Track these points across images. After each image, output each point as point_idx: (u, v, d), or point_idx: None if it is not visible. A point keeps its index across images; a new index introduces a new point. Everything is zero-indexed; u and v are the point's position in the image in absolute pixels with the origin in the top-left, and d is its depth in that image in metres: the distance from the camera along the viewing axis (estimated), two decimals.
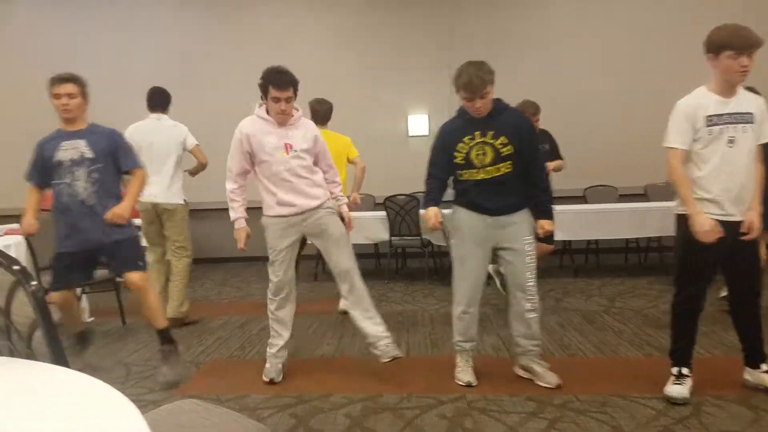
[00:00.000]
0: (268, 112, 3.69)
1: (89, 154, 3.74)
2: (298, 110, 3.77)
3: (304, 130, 3.76)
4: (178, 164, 5.29)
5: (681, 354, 3.33)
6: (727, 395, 3.30)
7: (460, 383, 3.62)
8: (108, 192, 3.81)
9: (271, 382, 3.75)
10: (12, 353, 1.59)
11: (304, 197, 3.72)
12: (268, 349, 3.88)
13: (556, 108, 8.17)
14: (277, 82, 3.55)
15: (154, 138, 5.18)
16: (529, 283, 3.54)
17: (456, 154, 3.48)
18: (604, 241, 7.51)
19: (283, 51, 8.63)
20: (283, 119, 3.66)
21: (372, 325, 3.81)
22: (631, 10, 8.50)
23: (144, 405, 3.44)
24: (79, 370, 1.39)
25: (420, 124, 8.79)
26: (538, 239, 5.13)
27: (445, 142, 3.54)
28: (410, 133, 8.83)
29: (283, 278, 3.77)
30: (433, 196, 3.58)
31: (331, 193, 3.97)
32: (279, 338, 3.85)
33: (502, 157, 3.42)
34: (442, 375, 3.80)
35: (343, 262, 3.79)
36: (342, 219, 3.95)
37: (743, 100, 3.10)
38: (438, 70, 8.54)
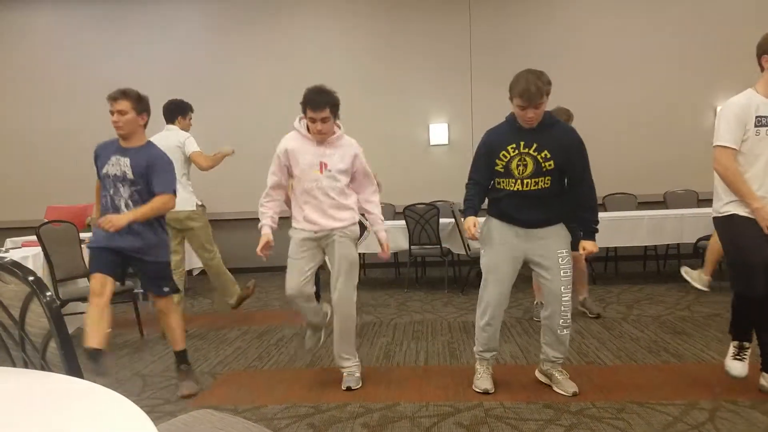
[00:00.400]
0: (308, 128, 3.72)
1: (129, 174, 3.77)
2: (339, 128, 3.78)
3: (342, 150, 3.74)
4: (182, 171, 5.31)
5: (742, 330, 3.30)
6: (743, 401, 3.26)
7: (478, 390, 3.60)
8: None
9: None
10: (26, 364, 1.61)
11: (328, 218, 3.73)
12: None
13: (576, 115, 8.16)
14: (313, 103, 3.58)
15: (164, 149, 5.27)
16: (565, 298, 3.47)
17: (498, 161, 3.44)
18: (623, 249, 7.46)
19: (305, 61, 8.78)
20: (320, 138, 3.69)
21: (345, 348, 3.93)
22: (652, 19, 8.45)
23: (160, 416, 3.47)
24: (94, 381, 1.41)
25: (440, 134, 8.79)
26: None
27: (490, 147, 3.49)
28: (431, 143, 8.83)
29: (295, 288, 3.78)
30: (472, 204, 3.52)
31: (367, 211, 3.95)
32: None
33: (542, 171, 3.37)
34: (459, 383, 3.79)
35: (337, 287, 3.82)
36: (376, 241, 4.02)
37: None
38: (458, 80, 8.58)
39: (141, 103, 3.86)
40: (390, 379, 3.95)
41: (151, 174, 3.82)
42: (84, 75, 8.89)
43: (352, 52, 8.84)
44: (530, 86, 3.21)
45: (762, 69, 3.11)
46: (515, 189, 3.42)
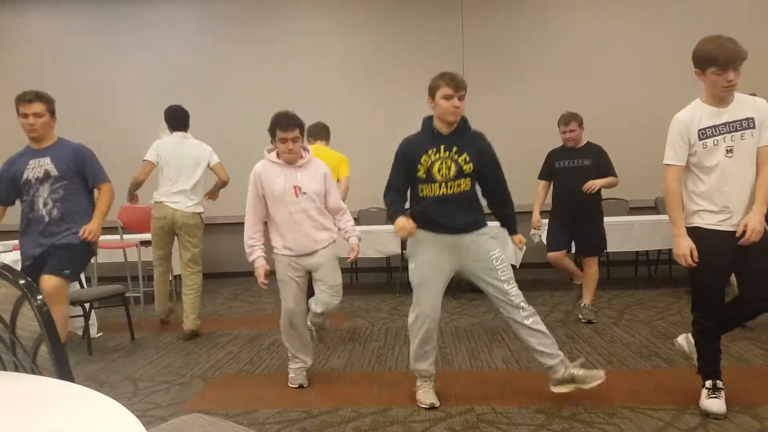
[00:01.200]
0: (278, 155, 3.85)
1: (54, 171, 3.80)
2: (308, 151, 3.92)
3: (313, 170, 3.89)
4: (201, 181, 5.51)
5: (710, 368, 3.25)
6: (734, 406, 3.27)
7: (423, 406, 3.51)
8: (74, 208, 3.84)
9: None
10: (17, 368, 1.61)
11: (310, 240, 3.86)
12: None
13: None
14: (283, 124, 3.74)
15: (181, 155, 5.41)
16: (512, 294, 3.40)
17: (419, 167, 3.42)
18: (614, 254, 7.47)
19: (300, 66, 8.78)
20: (292, 158, 3.80)
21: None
22: (645, 24, 8.50)
23: (151, 420, 3.45)
24: (86, 384, 1.40)
25: None
26: (585, 253, 5.23)
27: (409, 154, 3.46)
28: None
29: (293, 302, 3.90)
30: (399, 206, 3.45)
31: (340, 228, 4.05)
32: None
33: (464, 173, 3.39)
34: (451, 388, 3.80)
35: (329, 279, 3.94)
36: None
37: (740, 107, 3.05)
38: None
39: (53, 105, 3.95)
40: (382, 384, 3.94)
41: (84, 168, 3.89)
42: (80, 78, 8.85)
43: (346, 57, 8.84)
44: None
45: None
46: (439, 194, 3.40)
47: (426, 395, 3.57)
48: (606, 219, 7.01)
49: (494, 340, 4.87)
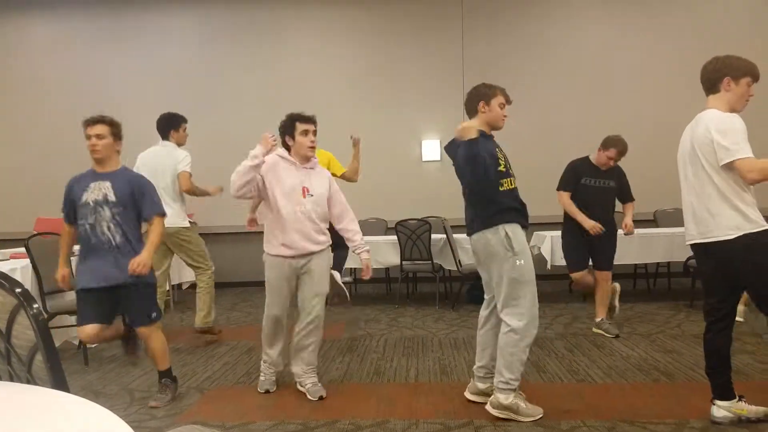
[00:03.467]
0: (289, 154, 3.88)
1: (112, 197, 3.76)
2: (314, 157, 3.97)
3: (319, 175, 3.95)
4: (169, 188, 5.36)
5: (726, 381, 3.24)
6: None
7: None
8: (129, 235, 3.81)
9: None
10: (12, 378, 1.59)
11: (308, 242, 3.86)
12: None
13: (564, 135, 8.21)
14: (304, 117, 3.82)
15: (155, 164, 5.33)
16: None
17: (500, 161, 3.51)
18: (613, 267, 7.44)
19: (299, 75, 8.80)
20: (311, 153, 3.86)
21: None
22: (644, 36, 8.55)
23: (147, 431, 3.43)
24: (81, 395, 1.39)
25: (433, 150, 8.82)
26: (602, 267, 5.32)
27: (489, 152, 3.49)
28: (423, 158, 8.87)
29: (281, 309, 3.97)
30: None
31: (349, 240, 4.07)
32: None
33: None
34: (450, 401, 3.77)
35: (318, 286, 3.95)
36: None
37: None
38: (451, 97, 8.60)
39: (118, 129, 3.88)
40: (380, 396, 3.92)
41: (140, 198, 3.85)
42: (78, 86, 8.87)
43: (345, 67, 8.87)
44: None
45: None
46: (515, 186, 3.59)
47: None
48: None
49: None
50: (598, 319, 5.40)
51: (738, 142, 2.93)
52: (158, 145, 5.46)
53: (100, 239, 3.73)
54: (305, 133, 3.81)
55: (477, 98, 3.57)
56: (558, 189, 5.40)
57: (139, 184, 3.88)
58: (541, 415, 3.40)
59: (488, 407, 3.46)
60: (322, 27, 8.90)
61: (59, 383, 1.47)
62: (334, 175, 5.47)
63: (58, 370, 1.48)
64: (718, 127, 2.98)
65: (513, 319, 3.40)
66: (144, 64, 8.98)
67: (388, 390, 4.06)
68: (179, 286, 8.08)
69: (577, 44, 8.63)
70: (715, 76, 3.12)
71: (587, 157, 5.40)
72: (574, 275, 5.38)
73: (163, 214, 3.91)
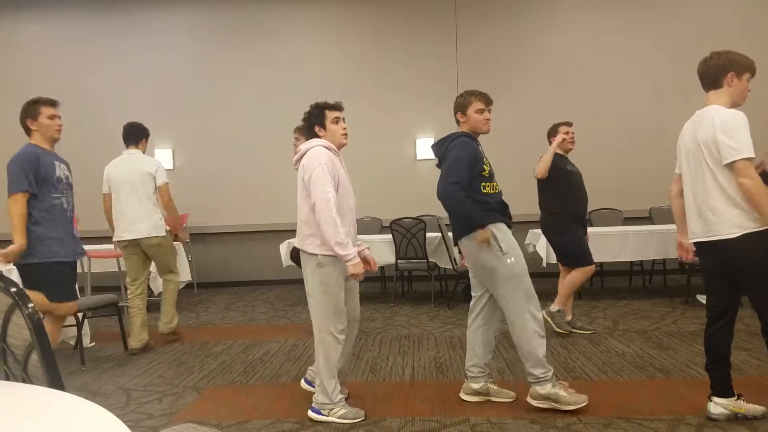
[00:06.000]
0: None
1: (71, 179, 4.07)
2: None
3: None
4: (153, 197, 5.32)
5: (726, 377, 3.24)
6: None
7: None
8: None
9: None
10: (8, 376, 1.59)
11: (355, 237, 3.62)
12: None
13: None
14: (333, 105, 3.59)
15: (128, 174, 5.26)
16: None
17: (484, 166, 3.57)
18: (609, 264, 7.48)
19: (292, 76, 8.79)
20: (346, 140, 3.64)
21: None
22: (638, 32, 8.57)
23: (143, 431, 3.43)
24: (78, 394, 1.39)
25: (427, 148, 8.77)
26: (575, 264, 5.11)
27: (475, 155, 3.57)
28: (418, 157, 8.87)
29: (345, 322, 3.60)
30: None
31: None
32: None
33: None
34: (446, 399, 3.77)
35: (355, 291, 3.82)
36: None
37: None
38: (445, 95, 8.56)
39: None
40: (376, 394, 3.92)
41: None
42: (71, 85, 8.83)
43: (339, 67, 8.87)
44: None
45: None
46: (500, 190, 3.67)
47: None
48: (600, 229, 7.07)
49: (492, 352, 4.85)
50: (554, 309, 5.22)
51: (742, 142, 2.92)
52: (125, 153, 5.36)
53: (69, 217, 3.98)
54: (336, 120, 3.56)
55: (456, 109, 3.73)
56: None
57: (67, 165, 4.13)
58: (585, 403, 3.42)
59: (528, 399, 3.51)
60: (315, 26, 8.90)
61: (55, 382, 1.46)
62: None
63: (53, 369, 1.48)
64: (724, 127, 2.96)
65: (516, 318, 3.45)
66: (136, 63, 8.95)
67: (383, 388, 4.06)
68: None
69: (570, 43, 8.64)
70: (718, 71, 3.12)
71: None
72: (594, 268, 5.23)
73: None
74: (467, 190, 3.49)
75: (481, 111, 3.63)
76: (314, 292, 3.47)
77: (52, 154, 3.98)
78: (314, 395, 3.53)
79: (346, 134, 3.64)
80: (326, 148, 3.50)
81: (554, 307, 5.22)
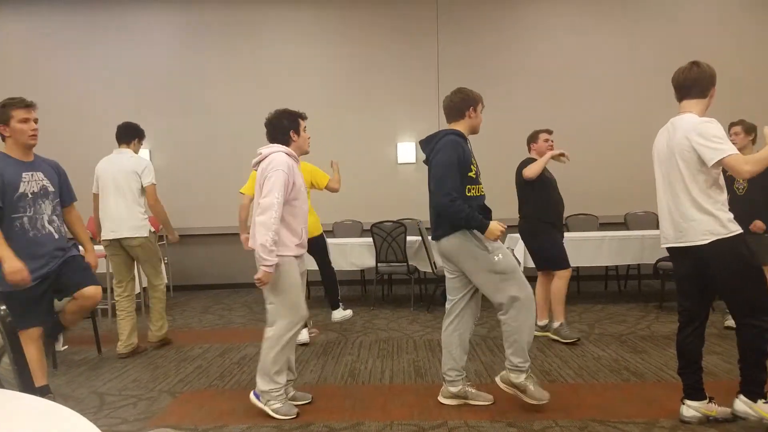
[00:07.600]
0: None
1: (51, 187, 3.65)
2: None
3: None
4: (138, 197, 5.24)
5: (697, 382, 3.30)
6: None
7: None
8: (62, 224, 3.77)
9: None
10: None
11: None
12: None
13: None
14: (302, 114, 3.79)
15: (113, 172, 5.20)
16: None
17: (472, 166, 3.57)
18: (585, 269, 7.55)
19: (274, 79, 8.76)
20: (308, 150, 3.92)
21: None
22: (616, 41, 8.66)
23: None
24: (50, 398, 1.37)
25: (408, 152, 8.84)
26: (551, 267, 5.16)
27: (463, 155, 3.55)
28: (399, 161, 8.88)
29: (305, 308, 3.75)
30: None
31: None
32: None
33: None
34: (424, 402, 3.78)
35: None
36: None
37: None
38: (426, 99, 8.66)
39: None
40: (355, 398, 3.91)
41: (63, 185, 3.82)
42: (57, 87, 8.71)
43: (321, 71, 8.85)
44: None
45: None
46: (483, 193, 3.68)
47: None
48: (576, 234, 7.12)
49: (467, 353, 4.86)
50: (557, 324, 5.20)
51: (723, 142, 2.98)
52: (115, 151, 5.30)
53: (42, 233, 3.61)
54: (305, 129, 3.80)
55: (467, 103, 3.65)
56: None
57: (60, 170, 3.85)
58: (546, 401, 3.50)
59: (498, 381, 3.64)
60: (298, 29, 8.87)
61: (27, 386, 1.44)
62: (316, 186, 5.45)
63: (25, 372, 1.46)
64: (701, 131, 3.01)
65: (509, 310, 3.52)
66: (121, 63, 8.85)
67: (362, 392, 4.05)
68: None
69: (552, 47, 8.72)
70: (705, 84, 3.16)
71: (528, 158, 5.28)
72: (570, 271, 5.22)
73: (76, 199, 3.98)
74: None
75: (480, 110, 3.71)
76: (274, 290, 3.60)
77: (23, 164, 3.58)
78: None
79: (308, 141, 3.90)
80: (287, 155, 3.63)
81: (555, 322, 5.23)
